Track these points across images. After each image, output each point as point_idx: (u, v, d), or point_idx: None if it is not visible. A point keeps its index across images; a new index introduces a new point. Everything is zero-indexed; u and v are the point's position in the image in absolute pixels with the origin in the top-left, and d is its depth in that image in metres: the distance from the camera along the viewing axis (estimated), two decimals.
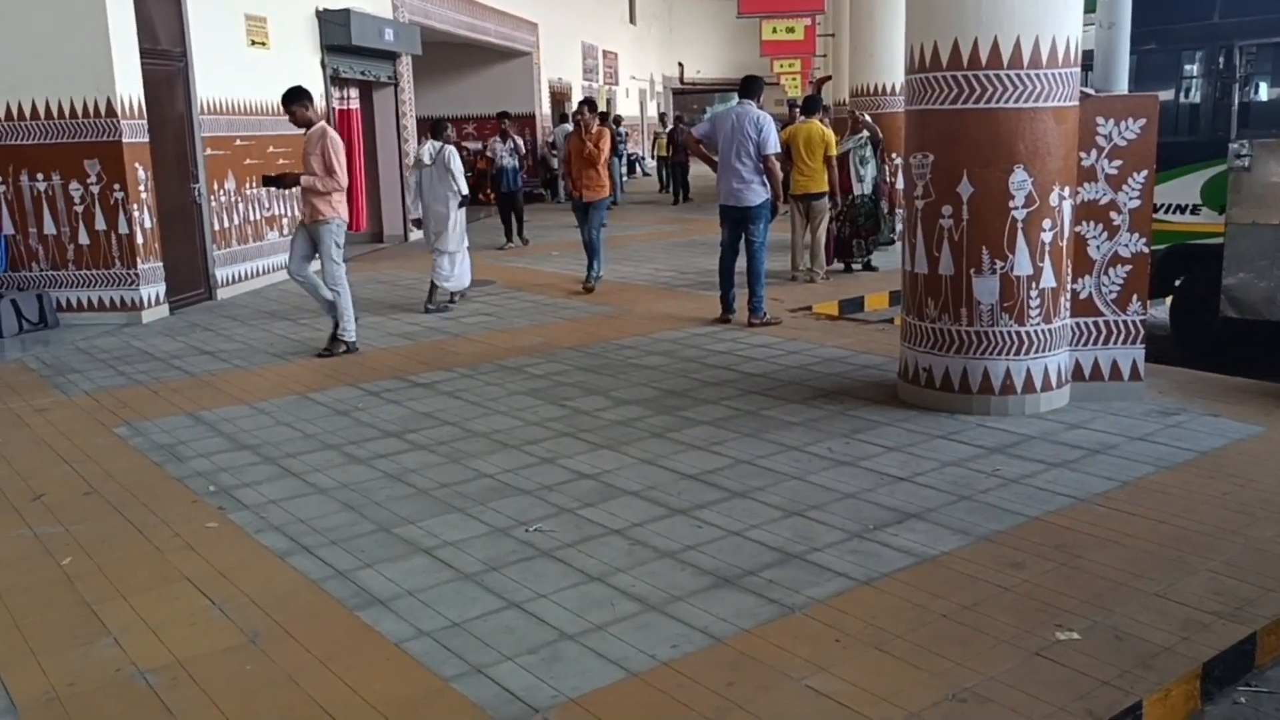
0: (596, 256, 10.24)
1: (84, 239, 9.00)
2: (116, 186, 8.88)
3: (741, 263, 8.19)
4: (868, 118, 11.08)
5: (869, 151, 10.74)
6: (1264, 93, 7.34)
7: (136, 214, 8.97)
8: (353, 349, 7.67)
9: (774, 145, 7.95)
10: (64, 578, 3.90)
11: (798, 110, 11.29)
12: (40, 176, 8.94)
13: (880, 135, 10.85)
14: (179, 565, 3.96)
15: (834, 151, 10.12)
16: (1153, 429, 5.22)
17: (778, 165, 8.07)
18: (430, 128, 9.92)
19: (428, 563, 3.89)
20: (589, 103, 10.75)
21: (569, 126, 19.41)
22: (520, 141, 14.77)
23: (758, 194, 7.95)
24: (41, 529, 4.38)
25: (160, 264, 9.30)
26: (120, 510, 4.56)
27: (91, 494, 4.80)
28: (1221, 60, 7.11)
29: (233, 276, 10.53)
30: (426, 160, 9.43)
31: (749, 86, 8.23)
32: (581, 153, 10.12)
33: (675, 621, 3.36)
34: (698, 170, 23.05)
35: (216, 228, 10.27)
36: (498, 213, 14.96)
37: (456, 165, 9.38)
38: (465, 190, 9.44)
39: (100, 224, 8.95)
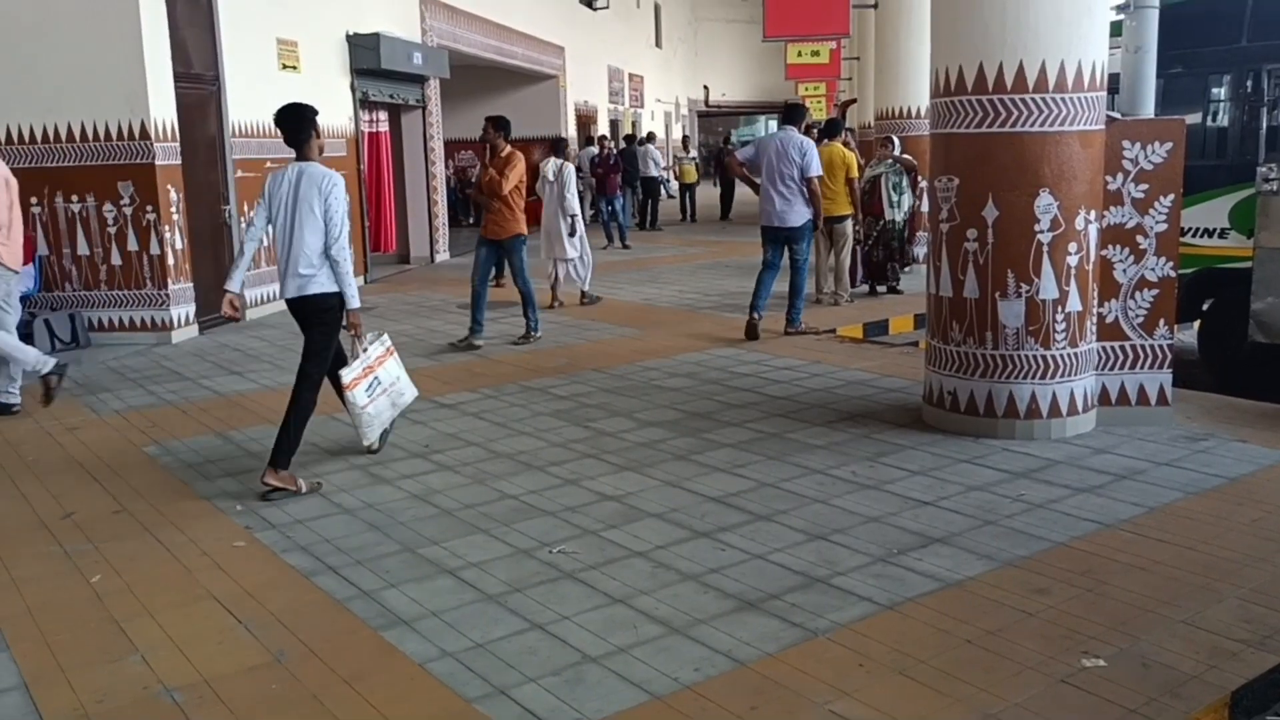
0: (531, 305, 8.76)
1: (116, 260, 9.13)
2: (149, 208, 9.00)
3: (777, 285, 8.50)
4: (901, 149, 11.08)
5: (905, 181, 10.77)
6: None
7: (168, 235, 9.09)
8: (7, 411, 6.66)
9: (816, 168, 8.40)
10: (93, 595, 3.94)
11: (815, 132, 11.32)
12: (75, 198, 9.08)
13: (916, 167, 10.88)
14: (206, 584, 4.00)
15: (855, 174, 10.15)
16: (1180, 454, 5.18)
17: (819, 187, 8.50)
18: (551, 146, 11.00)
19: (452, 583, 3.91)
20: (495, 121, 8.64)
21: (594, 150, 19.59)
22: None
23: (800, 215, 8.38)
24: (71, 546, 4.44)
25: (190, 284, 9.41)
26: (149, 529, 4.61)
27: (121, 512, 4.85)
28: (1249, 84, 7.07)
29: (262, 297, 10.63)
30: (550, 177, 10.37)
31: (792, 113, 8.86)
32: (484, 180, 8.65)
33: (698, 645, 3.36)
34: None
35: None
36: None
37: (570, 185, 10.34)
38: (574, 208, 10.37)
39: (132, 245, 9.08)
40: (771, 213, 8.44)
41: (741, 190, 23.95)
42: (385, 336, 5.65)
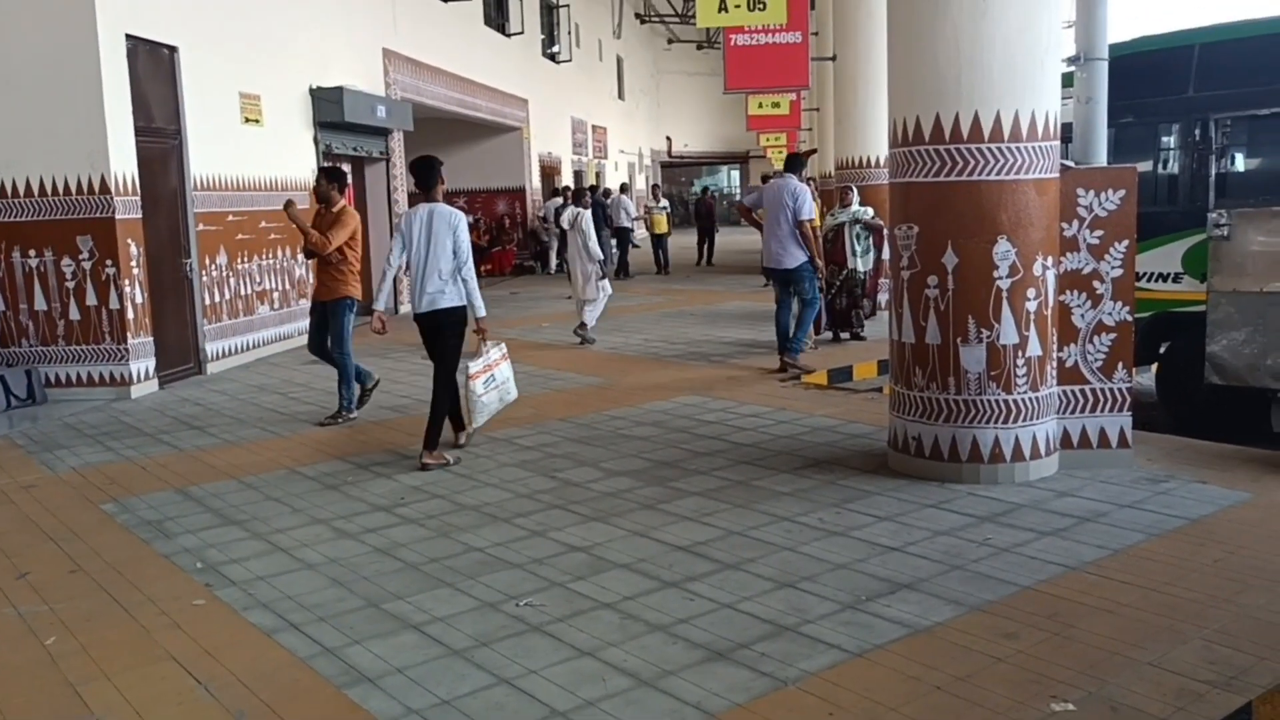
0: (346, 381, 7.78)
1: (74, 314, 9.01)
2: (108, 262, 8.92)
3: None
4: (861, 199, 11.21)
5: (871, 241, 10.90)
6: (1240, 164, 7.48)
7: (128, 289, 9.00)
8: None
9: (808, 212, 8.94)
10: (47, 658, 3.85)
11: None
12: (33, 253, 8.99)
13: (882, 228, 11.03)
14: (165, 644, 3.92)
15: (818, 223, 10.30)
16: (1142, 496, 5.23)
17: (810, 230, 9.01)
18: (573, 194, 12.10)
19: (417, 639, 3.86)
20: (327, 172, 7.92)
21: (559, 201, 19.71)
22: None
23: (795, 257, 8.93)
24: (26, 608, 4.33)
25: (150, 339, 9.31)
26: (106, 588, 4.52)
27: (77, 572, 4.75)
28: (1198, 132, 7.25)
29: (223, 351, 10.55)
30: (566, 225, 11.35)
31: (791, 162, 9.55)
32: (311, 239, 7.72)
33: (667, 697, 3.33)
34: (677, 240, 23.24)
35: (207, 302, 10.31)
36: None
37: (589, 228, 11.16)
38: (599, 254, 11.19)
39: (91, 299, 8.98)
40: (769, 254, 9.08)
41: (724, 238, 24.34)
42: (503, 344, 6.90)
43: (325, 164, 8.05)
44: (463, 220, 6.45)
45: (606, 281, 11.40)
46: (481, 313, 6.43)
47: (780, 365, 9.07)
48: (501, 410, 6.71)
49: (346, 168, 14.33)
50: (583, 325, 11.23)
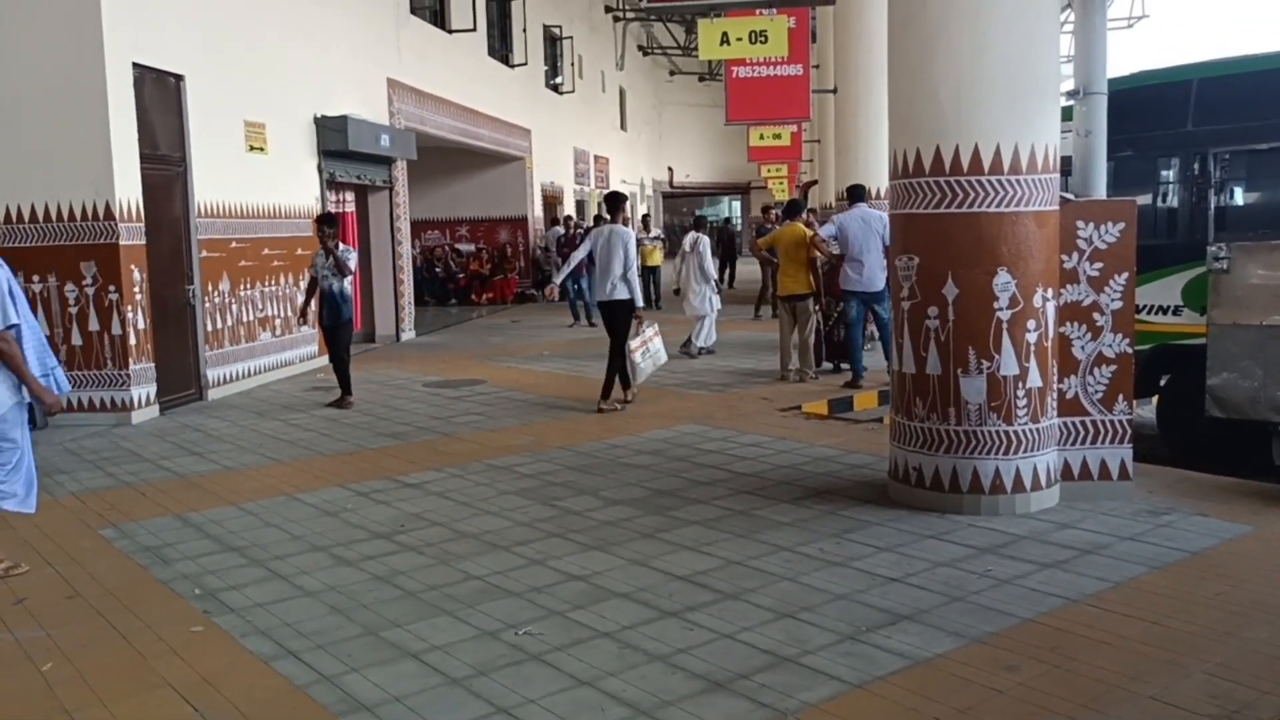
0: None
1: (76, 339, 9.03)
2: (111, 288, 8.95)
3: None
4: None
5: None
6: (1239, 197, 7.51)
7: (130, 315, 9.02)
8: None
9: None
10: (44, 684, 3.83)
11: (772, 213, 11.69)
12: (36, 278, 9.01)
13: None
14: (162, 671, 3.90)
15: (816, 254, 10.31)
16: (1143, 529, 5.22)
17: None
18: (694, 222, 14.38)
19: (415, 667, 3.84)
20: None
21: (560, 230, 19.77)
22: (346, 259, 9.77)
23: (881, 280, 9.78)
24: (22, 633, 4.32)
25: (152, 364, 9.32)
26: (103, 614, 4.50)
27: (75, 597, 4.74)
28: (1196, 166, 7.29)
29: (224, 377, 10.55)
30: (687, 249, 12.77)
31: (858, 191, 10.52)
32: None
33: None
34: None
35: (210, 329, 10.33)
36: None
37: (706, 253, 12.61)
38: (713, 273, 12.68)
39: (93, 325, 8.99)
40: (859, 279, 9.88)
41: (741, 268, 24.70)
42: (655, 325, 9.27)
43: None
44: (632, 237, 8.93)
45: (717, 297, 12.68)
46: (639, 303, 8.79)
47: (852, 381, 9.88)
48: (655, 370, 9.17)
49: (350, 195, 14.53)
50: (688, 342, 12.39)
